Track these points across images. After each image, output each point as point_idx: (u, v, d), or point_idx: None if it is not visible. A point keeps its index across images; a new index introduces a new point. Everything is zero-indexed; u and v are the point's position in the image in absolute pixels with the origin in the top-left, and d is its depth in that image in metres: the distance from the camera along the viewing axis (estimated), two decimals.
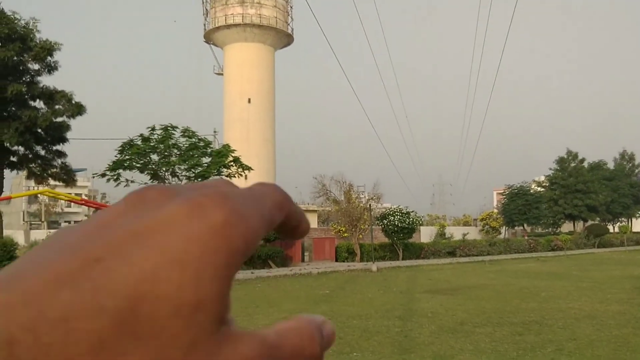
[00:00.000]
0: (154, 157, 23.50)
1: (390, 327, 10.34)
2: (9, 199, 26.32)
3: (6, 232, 25.34)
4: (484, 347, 8.50)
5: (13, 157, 23.47)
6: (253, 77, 48.60)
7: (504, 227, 50.12)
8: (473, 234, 46.58)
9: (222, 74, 51.77)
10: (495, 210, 54.67)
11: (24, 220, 69.66)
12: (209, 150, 24.46)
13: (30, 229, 56.49)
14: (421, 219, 34.34)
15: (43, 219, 68.63)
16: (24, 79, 22.54)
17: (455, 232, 45.58)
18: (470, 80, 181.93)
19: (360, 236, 30.07)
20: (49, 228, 60.10)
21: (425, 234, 43.59)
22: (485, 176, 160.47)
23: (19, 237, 35.45)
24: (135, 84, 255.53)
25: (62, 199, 19.62)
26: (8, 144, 21.83)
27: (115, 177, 23.29)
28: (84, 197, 34.74)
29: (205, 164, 24.05)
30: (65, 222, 74.57)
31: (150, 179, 23.89)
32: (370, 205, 29.63)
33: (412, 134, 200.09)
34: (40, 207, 70.10)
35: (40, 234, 40.60)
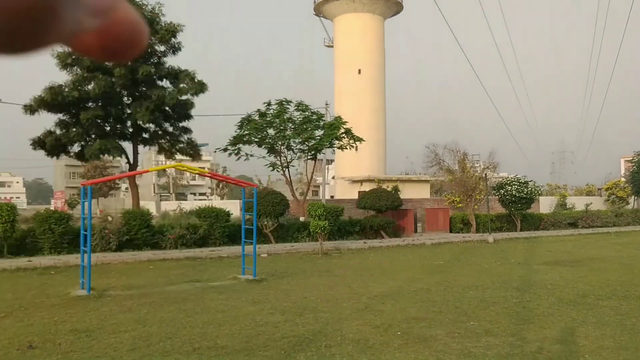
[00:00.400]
0: (271, 131, 24.33)
1: (508, 297, 10.25)
2: (146, 172, 28.66)
3: (140, 203, 27.66)
4: (608, 320, 8.24)
5: (145, 133, 25.43)
6: (363, 47, 48.58)
7: (633, 197, 46.66)
8: (597, 204, 43.80)
9: (332, 46, 52.23)
10: (623, 179, 50.93)
11: (154, 192, 75.25)
12: (322, 123, 24.94)
13: (160, 200, 60.89)
14: (540, 189, 32.75)
15: (171, 191, 73.82)
16: (152, 60, 24.20)
17: (577, 203, 43.10)
18: (595, 35, 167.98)
19: (476, 207, 29.41)
20: (177, 199, 64.39)
21: (545, 205, 41.72)
22: (610, 143, 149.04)
23: (151, 208, 38.42)
24: (250, 61, 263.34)
25: (193, 173, 21.05)
26: (141, 122, 23.68)
27: (236, 152, 24.51)
28: (207, 170, 36.88)
29: (318, 137, 24.55)
30: (191, 194, 79.63)
31: (267, 153, 24.85)
32: (486, 174, 28.81)
33: (530, 100, 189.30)
34: (168, 180, 75.35)
35: (170, 205, 43.63)
